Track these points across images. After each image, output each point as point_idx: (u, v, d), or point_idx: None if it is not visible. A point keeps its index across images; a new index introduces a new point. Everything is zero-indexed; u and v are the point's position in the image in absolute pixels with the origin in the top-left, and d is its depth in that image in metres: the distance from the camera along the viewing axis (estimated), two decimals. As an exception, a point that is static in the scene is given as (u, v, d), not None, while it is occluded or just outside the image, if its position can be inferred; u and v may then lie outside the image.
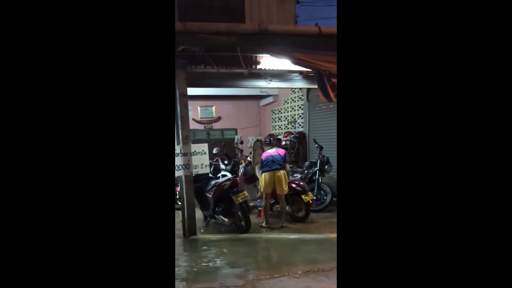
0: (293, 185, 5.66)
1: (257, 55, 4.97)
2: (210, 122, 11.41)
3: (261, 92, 10.29)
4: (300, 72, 5.54)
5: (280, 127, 10.62)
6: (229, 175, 6.17)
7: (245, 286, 3.44)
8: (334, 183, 6.85)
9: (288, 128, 10.00)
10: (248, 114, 11.65)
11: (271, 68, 5.33)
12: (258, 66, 5.27)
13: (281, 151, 5.54)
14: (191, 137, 5.16)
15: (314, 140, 6.95)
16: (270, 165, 5.38)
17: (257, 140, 7.33)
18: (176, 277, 3.75)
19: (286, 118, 10.22)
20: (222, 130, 11.53)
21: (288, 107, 10.06)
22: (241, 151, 8.58)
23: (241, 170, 6.52)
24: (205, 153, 5.04)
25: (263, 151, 6.13)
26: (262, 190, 5.44)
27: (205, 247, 4.64)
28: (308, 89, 8.55)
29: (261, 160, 5.60)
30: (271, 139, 9.69)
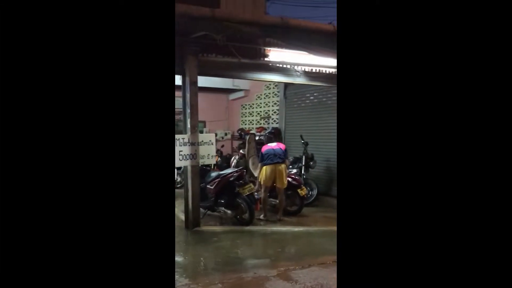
0: (289, 179, 5.76)
1: (275, 48, 4.98)
2: (178, 113, 11.05)
3: (233, 86, 10.24)
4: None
5: (251, 122, 10.67)
6: None
7: (279, 276, 3.48)
8: (317, 179, 7.08)
9: (260, 124, 10.09)
10: (216, 107, 11.48)
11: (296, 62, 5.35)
12: (266, 59, 5.29)
13: (282, 146, 5.61)
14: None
15: (301, 136, 7.13)
16: (272, 158, 5.42)
17: (251, 133, 7.30)
18: (206, 267, 3.67)
19: (258, 114, 10.30)
20: (190, 122, 11.25)
21: (261, 103, 10.15)
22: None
23: (233, 162, 6.45)
24: (212, 143, 4.94)
25: (257, 144, 6.15)
26: (262, 183, 5.46)
27: (215, 239, 4.56)
28: (286, 86, 8.73)
29: (261, 153, 5.62)
30: (242, 133, 9.78)
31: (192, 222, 4.86)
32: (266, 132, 9.07)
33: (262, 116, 10.07)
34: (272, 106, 9.66)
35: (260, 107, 10.20)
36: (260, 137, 8.93)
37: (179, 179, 7.54)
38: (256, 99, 10.31)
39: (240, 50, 4.87)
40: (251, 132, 9.63)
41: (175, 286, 3.27)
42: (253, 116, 10.58)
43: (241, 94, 10.91)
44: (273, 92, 9.62)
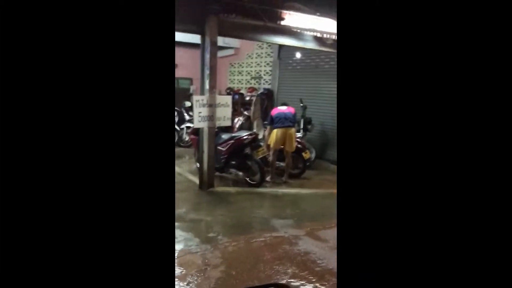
0: (295, 143, 5.92)
1: (294, 12, 4.90)
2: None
3: (224, 43, 9.97)
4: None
5: (240, 81, 10.57)
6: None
7: (308, 235, 3.72)
8: (312, 143, 7.30)
9: (251, 84, 10.03)
10: (203, 64, 11.20)
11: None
12: (282, 22, 5.21)
13: (292, 110, 5.70)
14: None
15: (300, 99, 7.22)
16: (282, 122, 5.51)
17: (258, 95, 7.27)
18: (237, 226, 3.83)
19: (248, 73, 10.20)
20: (177, 79, 10.91)
21: (252, 62, 10.03)
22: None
23: (237, 124, 6.49)
24: (228, 105, 4.94)
25: (262, 106, 6.18)
26: (272, 146, 5.58)
27: (232, 199, 4.71)
28: (280, 47, 8.65)
29: (271, 116, 5.69)
30: (231, 92, 9.69)
31: (207, 183, 4.95)
32: (258, 92, 9.10)
33: (253, 76, 9.99)
34: (264, 66, 9.59)
35: (251, 67, 10.08)
36: (251, 98, 8.95)
37: (187, 138, 7.59)
38: (247, 58, 10.16)
39: (259, 12, 4.76)
40: (240, 92, 9.60)
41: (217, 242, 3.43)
42: (242, 75, 10.47)
43: (230, 52, 10.67)
44: (265, 52, 9.50)
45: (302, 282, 2.90)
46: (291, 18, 5.19)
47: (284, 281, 2.92)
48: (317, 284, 2.87)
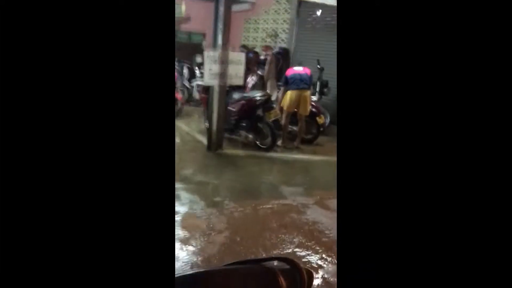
0: (309, 106, 5.66)
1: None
2: (178, 22, 10.22)
3: (239, -4, 9.46)
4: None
5: (255, 39, 10.12)
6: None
7: (317, 204, 3.60)
8: (326, 108, 7.01)
9: (266, 42, 9.59)
10: (217, 18, 10.71)
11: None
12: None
13: (308, 71, 5.38)
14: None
15: (318, 60, 6.86)
16: (297, 83, 5.21)
17: (273, 54, 6.93)
18: (246, 191, 3.72)
19: (264, 31, 9.73)
20: (189, 34, 10.48)
21: (268, 19, 9.53)
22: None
23: (250, 84, 6.20)
24: (241, 63, 4.66)
25: (277, 66, 5.87)
26: (285, 108, 5.33)
27: (241, 163, 4.57)
28: (300, 3, 8.14)
29: (286, 77, 5.39)
30: (245, 50, 9.31)
31: (215, 145, 4.80)
32: (273, 51, 8.69)
33: (269, 33, 9.52)
34: (282, 24, 9.10)
35: (267, 24, 9.59)
36: (266, 57, 8.57)
37: (197, 96, 7.30)
38: (263, 15, 9.63)
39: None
40: (255, 50, 9.19)
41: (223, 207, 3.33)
42: (257, 32, 9.99)
43: (246, 6, 10.12)
44: (283, 8, 8.98)
45: (309, 252, 2.81)
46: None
47: (290, 251, 2.84)
48: (324, 255, 2.78)
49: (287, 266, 0.65)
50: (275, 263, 0.66)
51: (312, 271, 0.70)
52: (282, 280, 0.60)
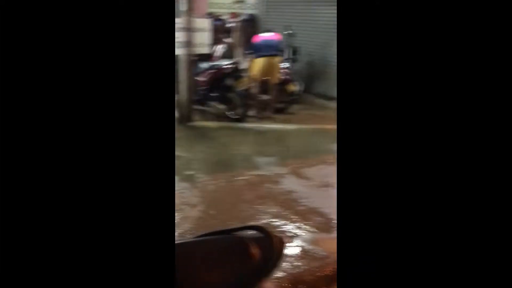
0: (280, 74, 5.53)
1: None
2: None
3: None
4: None
5: (221, 6, 9.72)
6: None
7: (291, 173, 3.57)
8: (298, 75, 6.92)
9: (233, 9, 9.24)
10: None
11: None
12: None
13: (278, 36, 5.20)
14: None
15: (287, 26, 6.67)
16: (266, 49, 5.05)
17: (240, 21, 6.66)
18: (218, 164, 3.65)
19: (231, -4, 9.35)
20: None
21: (235, -16, 9.14)
22: None
23: (217, 52, 5.96)
24: (207, 30, 4.44)
25: (245, 33, 5.67)
26: (254, 76, 5.18)
27: (212, 135, 4.46)
28: (267, -34, 7.82)
29: (253, 44, 5.21)
30: (213, 19, 8.94)
31: (185, 117, 4.63)
32: (241, 18, 8.39)
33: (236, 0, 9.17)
34: (249, -11, 8.75)
35: (234, -11, 9.20)
36: (232, 25, 8.26)
37: None
38: (229, -21, 9.23)
39: None
40: (221, 17, 8.84)
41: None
42: (224, -1, 9.60)
43: (211, -29, 9.64)
44: (250, -28, 8.61)
45: (285, 221, 2.80)
46: None
47: (265, 221, 2.82)
48: (301, 224, 2.77)
49: (259, 235, 0.64)
50: (248, 232, 0.65)
51: (283, 237, 0.67)
52: (252, 249, 0.60)
